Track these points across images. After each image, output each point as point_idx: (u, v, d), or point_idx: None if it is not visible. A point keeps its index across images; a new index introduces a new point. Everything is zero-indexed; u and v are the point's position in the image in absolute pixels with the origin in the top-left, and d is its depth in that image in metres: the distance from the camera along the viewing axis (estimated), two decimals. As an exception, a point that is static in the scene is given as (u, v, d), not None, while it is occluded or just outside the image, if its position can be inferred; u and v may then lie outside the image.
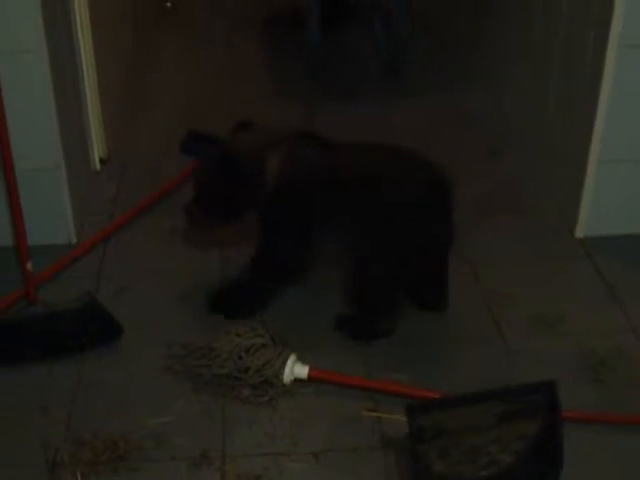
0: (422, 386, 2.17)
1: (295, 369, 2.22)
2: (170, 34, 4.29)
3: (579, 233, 2.81)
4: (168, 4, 4.59)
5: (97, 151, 3.13)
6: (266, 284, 2.45)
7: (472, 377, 2.24)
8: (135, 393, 2.22)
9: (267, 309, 2.45)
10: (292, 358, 2.22)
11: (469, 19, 4.07)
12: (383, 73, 3.90)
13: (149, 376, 2.27)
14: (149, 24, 4.24)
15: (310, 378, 2.22)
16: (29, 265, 2.32)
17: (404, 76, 3.85)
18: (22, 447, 2.07)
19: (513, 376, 2.24)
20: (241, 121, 2.38)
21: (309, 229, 2.33)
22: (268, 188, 2.28)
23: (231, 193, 2.29)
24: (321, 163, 2.30)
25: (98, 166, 3.16)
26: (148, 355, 2.33)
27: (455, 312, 2.48)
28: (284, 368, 2.20)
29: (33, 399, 2.20)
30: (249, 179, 2.28)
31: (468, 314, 2.49)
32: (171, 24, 4.40)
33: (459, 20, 4.23)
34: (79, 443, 2.08)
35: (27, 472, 2.01)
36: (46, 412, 2.16)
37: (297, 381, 2.23)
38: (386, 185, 2.26)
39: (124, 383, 2.25)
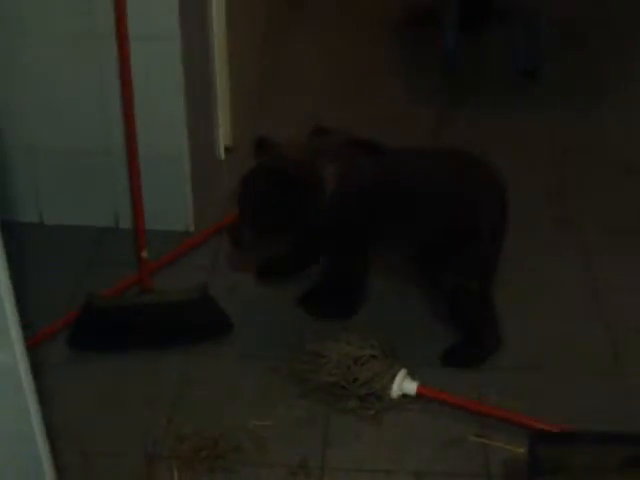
0: (533, 415, 2.08)
1: (404, 384, 2.15)
2: (300, 28, 4.22)
3: None
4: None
5: (223, 139, 3.11)
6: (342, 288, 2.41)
7: (587, 412, 2.12)
8: (239, 392, 2.20)
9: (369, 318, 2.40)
10: (402, 373, 2.16)
11: (615, 34, 3.92)
12: (520, 79, 3.77)
13: (255, 376, 2.24)
14: (281, 14, 4.20)
15: (418, 395, 2.16)
16: (144, 253, 2.30)
17: (541, 84, 3.72)
18: (123, 437, 2.07)
19: (630, 414, 2.13)
20: (316, 127, 2.31)
21: (367, 238, 2.27)
22: (325, 200, 2.18)
23: (283, 208, 2.17)
24: (378, 172, 2.20)
25: (222, 155, 3.14)
26: (256, 354, 2.31)
27: (576, 342, 2.37)
28: (393, 382, 2.14)
29: (140, 389, 2.20)
30: (303, 192, 2.17)
31: (590, 345, 2.36)
32: (302, 18, 4.33)
33: (604, 34, 4.07)
34: (179, 438, 2.06)
35: (125, 463, 2.01)
36: (150, 403, 2.15)
37: (404, 397, 2.16)
38: (448, 195, 2.20)
39: (229, 381, 2.23)
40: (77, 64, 2.51)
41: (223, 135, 3.10)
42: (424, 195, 2.20)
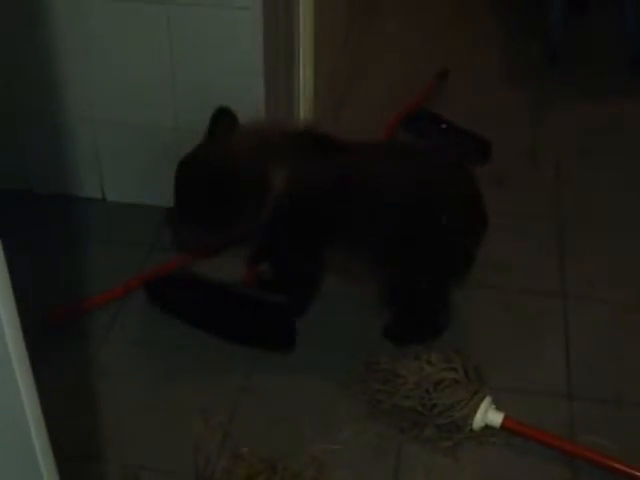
0: (633, 460, 1.83)
1: (488, 415, 1.91)
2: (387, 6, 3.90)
3: None
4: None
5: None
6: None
7: None
8: (304, 409, 1.97)
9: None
10: (487, 401, 1.92)
11: None
12: (630, 65, 3.43)
13: (322, 391, 2.01)
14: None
15: (503, 428, 1.92)
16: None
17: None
18: (172, 451, 1.87)
19: None
20: (220, 110, 2.02)
21: (319, 243, 2.06)
22: (273, 203, 1.96)
23: (230, 208, 1.95)
24: (331, 174, 1.98)
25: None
26: (325, 367, 2.08)
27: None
28: (476, 412, 1.91)
29: (195, 398, 1.99)
30: (252, 193, 1.95)
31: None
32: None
33: None
34: (235, 457, 1.85)
35: (173, 481, 1.81)
36: (205, 414, 1.94)
37: (486, 427, 1.92)
38: (413, 197, 2.00)
39: (294, 395, 2.01)
40: (145, 31, 2.28)
41: (304, 117, 2.85)
42: (382, 203, 2.00)
